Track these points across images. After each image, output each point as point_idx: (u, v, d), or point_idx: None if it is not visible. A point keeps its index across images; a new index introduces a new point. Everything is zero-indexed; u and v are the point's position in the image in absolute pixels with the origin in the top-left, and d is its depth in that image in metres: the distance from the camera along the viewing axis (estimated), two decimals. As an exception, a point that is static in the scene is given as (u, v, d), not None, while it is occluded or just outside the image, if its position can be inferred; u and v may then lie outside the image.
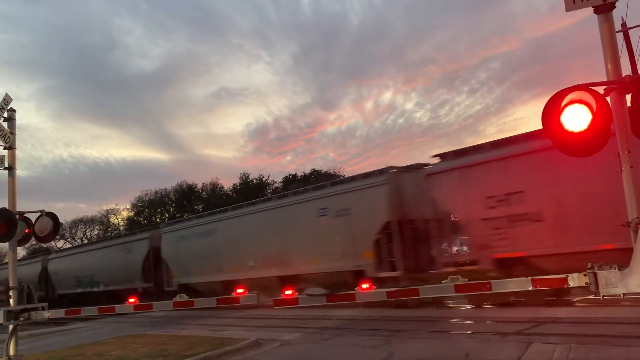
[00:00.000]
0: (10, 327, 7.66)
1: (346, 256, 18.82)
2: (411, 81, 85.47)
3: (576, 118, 4.12)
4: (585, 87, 4.18)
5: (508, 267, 14.60)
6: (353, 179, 20.47)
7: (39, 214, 8.49)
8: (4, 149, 8.23)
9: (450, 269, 15.20)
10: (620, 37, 15.04)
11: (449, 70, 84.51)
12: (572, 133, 4.13)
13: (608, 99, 4.19)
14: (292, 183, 49.02)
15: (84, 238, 65.81)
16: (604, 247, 11.88)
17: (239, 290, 7.35)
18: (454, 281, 5.68)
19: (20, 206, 8.31)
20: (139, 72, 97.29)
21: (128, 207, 64.77)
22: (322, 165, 74.59)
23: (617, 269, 4.31)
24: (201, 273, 25.71)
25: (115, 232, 62.12)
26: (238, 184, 55.72)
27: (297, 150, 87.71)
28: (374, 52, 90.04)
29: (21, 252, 49.43)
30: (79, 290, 35.76)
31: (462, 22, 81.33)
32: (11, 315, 7.61)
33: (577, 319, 12.03)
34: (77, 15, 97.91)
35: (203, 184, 59.70)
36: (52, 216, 8.57)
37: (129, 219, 63.64)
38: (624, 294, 4.31)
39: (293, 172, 56.56)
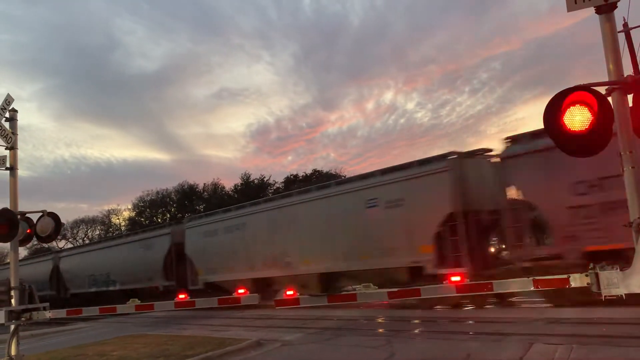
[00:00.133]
0: (12, 327, 7.67)
1: (400, 251, 17.08)
2: (412, 81, 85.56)
3: (578, 118, 4.13)
4: (587, 88, 4.18)
5: (599, 261, 12.90)
6: (406, 166, 18.33)
7: (41, 214, 8.50)
8: (6, 149, 8.24)
9: (527, 264, 14.00)
10: (621, 37, 15.05)
11: (450, 70, 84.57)
12: (573, 133, 4.13)
13: (610, 99, 4.20)
14: (294, 183, 48.99)
15: (85, 238, 65.94)
16: None
17: (240, 291, 7.34)
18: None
19: (22, 206, 8.33)
20: (140, 72, 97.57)
21: (129, 207, 64.83)
22: (323, 166, 74.77)
23: (618, 270, 4.31)
24: (230, 270, 24.13)
25: (117, 232, 62.22)
26: (239, 184, 55.65)
27: (298, 150, 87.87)
28: (375, 52, 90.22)
29: (23, 252, 49.58)
30: (93, 290, 34.33)
31: (463, 22, 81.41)
32: (13, 315, 7.63)
33: (579, 320, 12.00)
34: (78, 15, 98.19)
35: (204, 184, 59.71)
36: (54, 216, 8.58)
37: (130, 219, 63.66)
38: (625, 295, 4.30)
39: (294, 173, 56.52)
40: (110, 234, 60.77)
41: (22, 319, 7.71)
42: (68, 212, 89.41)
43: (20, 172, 8.46)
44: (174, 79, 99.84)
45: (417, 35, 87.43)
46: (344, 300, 6.72)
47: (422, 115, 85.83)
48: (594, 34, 4.41)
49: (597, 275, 4.42)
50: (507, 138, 15.75)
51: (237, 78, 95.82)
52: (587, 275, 4.58)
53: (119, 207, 68.09)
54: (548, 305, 14.36)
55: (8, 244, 8.33)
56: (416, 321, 14.45)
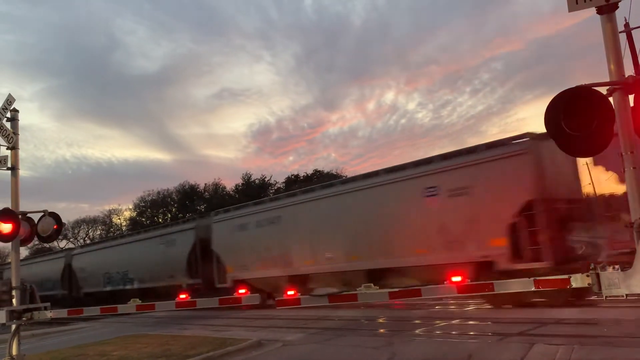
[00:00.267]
0: (13, 327, 7.68)
1: (466, 245, 15.46)
2: (413, 81, 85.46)
3: (579, 119, 4.13)
4: (588, 88, 4.18)
5: None
6: (472, 150, 16.40)
7: (42, 214, 8.52)
8: (7, 149, 8.26)
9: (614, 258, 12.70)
10: (623, 37, 15.04)
11: (451, 71, 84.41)
12: (574, 133, 4.13)
13: (611, 99, 4.20)
14: (295, 183, 49.03)
15: (86, 238, 66.03)
16: None
17: (241, 291, 7.34)
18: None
19: (23, 206, 8.35)
20: (141, 73, 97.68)
21: (130, 207, 65.02)
22: (324, 166, 74.63)
23: (619, 270, 4.30)
24: (263, 267, 22.53)
25: (118, 232, 62.30)
26: (240, 184, 55.79)
27: (299, 150, 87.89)
28: (376, 53, 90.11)
29: (24, 252, 49.57)
30: (108, 289, 32.82)
31: (465, 23, 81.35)
32: (14, 315, 7.65)
33: (580, 320, 12.00)
34: (80, 16, 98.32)
35: (205, 184, 59.87)
36: (55, 216, 8.60)
37: (131, 219, 63.79)
38: (626, 295, 4.29)
39: (295, 173, 56.61)
40: (112, 234, 60.84)
41: (23, 318, 7.72)
42: (69, 212, 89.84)
43: (22, 172, 8.48)
44: (175, 79, 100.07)
45: (418, 36, 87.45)
46: (345, 301, 6.68)
47: (423, 115, 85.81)
48: (595, 34, 4.41)
49: (598, 275, 4.42)
50: None
51: (238, 78, 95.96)
52: (588, 276, 4.58)
53: (120, 207, 68.39)
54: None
55: (9, 244, 8.34)
56: (417, 321, 14.44)
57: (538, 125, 14.06)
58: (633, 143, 4.19)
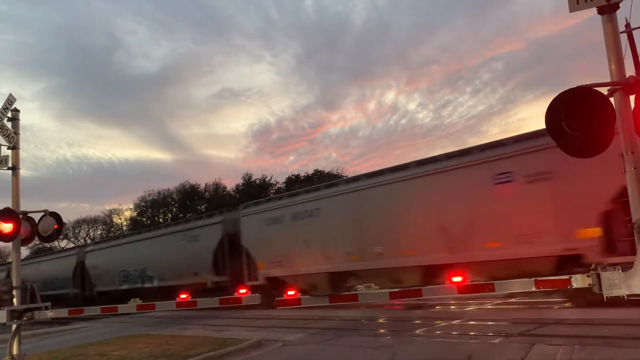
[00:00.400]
0: (14, 326, 7.68)
1: (548, 237, 13.89)
2: (414, 81, 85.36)
3: (580, 119, 4.12)
4: (589, 88, 4.18)
5: None
6: None
7: (43, 213, 8.52)
8: (8, 149, 8.26)
9: None
10: (624, 37, 15.02)
11: (452, 71, 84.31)
12: (575, 134, 4.13)
13: (612, 99, 4.20)
14: (295, 183, 49.03)
15: (87, 238, 66.09)
16: None
17: (242, 291, 7.35)
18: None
19: (24, 206, 8.34)
20: (142, 73, 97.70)
21: (131, 207, 65.05)
22: (324, 166, 74.42)
23: (620, 270, 4.30)
24: (299, 263, 21.01)
25: (119, 231, 62.35)
26: (241, 184, 55.81)
27: (300, 150, 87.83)
28: (377, 53, 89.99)
29: (24, 251, 49.58)
30: (124, 287, 30.95)
31: (465, 23, 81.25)
32: (14, 314, 7.64)
33: (580, 320, 12.00)
34: (80, 16, 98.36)
35: (206, 184, 59.88)
36: (56, 216, 8.60)
37: (132, 219, 63.83)
38: (627, 296, 4.29)
39: (296, 173, 56.62)
40: (112, 234, 60.88)
41: (24, 318, 7.72)
42: (70, 212, 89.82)
43: (23, 171, 8.48)
44: (175, 79, 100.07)
45: (419, 36, 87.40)
46: (346, 301, 6.66)
47: (424, 115, 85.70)
48: (596, 34, 4.41)
49: (598, 276, 4.41)
50: None
51: (238, 78, 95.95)
52: (588, 276, 4.57)
53: (120, 207, 68.43)
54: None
55: (10, 244, 8.34)
56: (417, 321, 14.44)
57: (539, 126, 13.93)
58: (634, 143, 4.19)
